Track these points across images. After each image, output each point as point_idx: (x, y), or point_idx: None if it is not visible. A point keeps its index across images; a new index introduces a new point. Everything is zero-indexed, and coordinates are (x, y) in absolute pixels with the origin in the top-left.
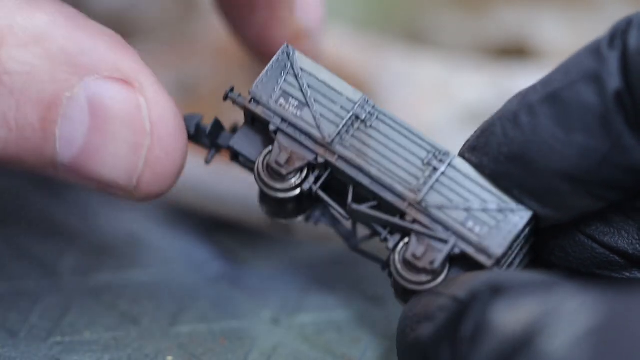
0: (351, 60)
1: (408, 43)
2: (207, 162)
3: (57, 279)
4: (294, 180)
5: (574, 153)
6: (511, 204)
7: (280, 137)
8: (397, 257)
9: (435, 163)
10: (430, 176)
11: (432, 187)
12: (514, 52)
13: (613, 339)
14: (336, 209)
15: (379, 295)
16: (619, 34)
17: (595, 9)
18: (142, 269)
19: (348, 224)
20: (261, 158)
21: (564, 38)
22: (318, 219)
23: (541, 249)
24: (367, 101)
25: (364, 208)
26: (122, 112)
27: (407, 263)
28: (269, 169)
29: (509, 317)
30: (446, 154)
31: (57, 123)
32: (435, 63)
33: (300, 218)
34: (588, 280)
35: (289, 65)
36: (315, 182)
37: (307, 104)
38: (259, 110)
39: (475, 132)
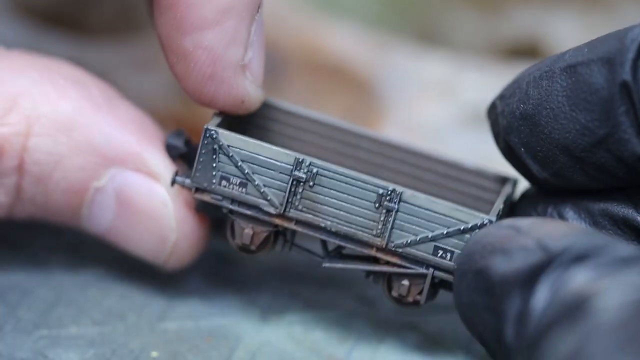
0: (357, 57)
1: (418, 42)
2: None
3: (48, 274)
4: (266, 249)
5: (575, 129)
6: (470, 220)
7: (236, 218)
8: (389, 297)
9: (386, 204)
10: (387, 218)
11: (392, 228)
12: (526, 53)
13: None
14: (315, 257)
15: (368, 296)
16: None
17: (612, 13)
18: (133, 265)
19: None
20: (230, 237)
21: (578, 41)
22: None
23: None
24: (302, 161)
25: (338, 265)
26: (149, 206)
27: (397, 301)
28: (240, 247)
29: (583, 283)
30: (393, 191)
31: (83, 207)
32: (443, 62)
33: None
34: None
35: (217, 146)
36: (285, 240)
37: (247, 180)
38: (206, 197)
39: (510, 81)
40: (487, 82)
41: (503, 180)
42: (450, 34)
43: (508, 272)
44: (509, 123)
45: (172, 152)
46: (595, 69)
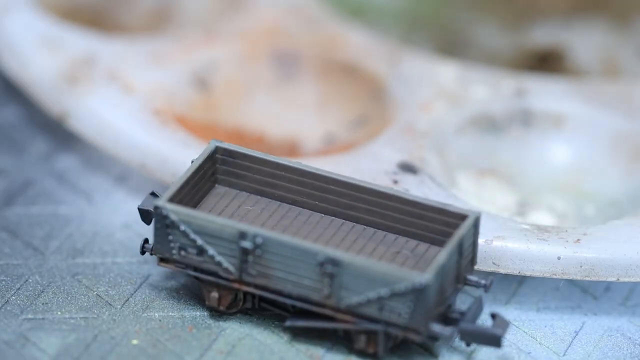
0: (372, 59)
1: (436, 48)
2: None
3: (43, 261)
4: (237, 307)
5: None
6: (409, 278)
7: (201, 283)
8: (352, 349)
9: (329, 268)
10: (331, 282)
11: (340, 290)
12: (543, 67)
13: None
14: (282, 313)
15: None
16: None
17: (636, 26)
18: (130, 257)
19: None
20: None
21: (601, 55)
22: None
23: None
24: (245, 232)
25: (298, 323)
26: None
27: (360, 352)
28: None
29: None
30: (331, 258)
31: None
32: (458, 70)
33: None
34: None
35: (169, 221)
36: (254, 297)
37: (202, 250)
38: (171, 266)
39: None
40: (499, 93)
41: (463, 217)
42: (469, 43)
43: None
44: None
45: (145, 217)
46: None
